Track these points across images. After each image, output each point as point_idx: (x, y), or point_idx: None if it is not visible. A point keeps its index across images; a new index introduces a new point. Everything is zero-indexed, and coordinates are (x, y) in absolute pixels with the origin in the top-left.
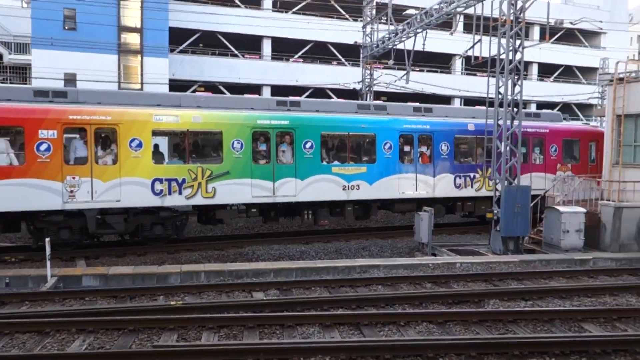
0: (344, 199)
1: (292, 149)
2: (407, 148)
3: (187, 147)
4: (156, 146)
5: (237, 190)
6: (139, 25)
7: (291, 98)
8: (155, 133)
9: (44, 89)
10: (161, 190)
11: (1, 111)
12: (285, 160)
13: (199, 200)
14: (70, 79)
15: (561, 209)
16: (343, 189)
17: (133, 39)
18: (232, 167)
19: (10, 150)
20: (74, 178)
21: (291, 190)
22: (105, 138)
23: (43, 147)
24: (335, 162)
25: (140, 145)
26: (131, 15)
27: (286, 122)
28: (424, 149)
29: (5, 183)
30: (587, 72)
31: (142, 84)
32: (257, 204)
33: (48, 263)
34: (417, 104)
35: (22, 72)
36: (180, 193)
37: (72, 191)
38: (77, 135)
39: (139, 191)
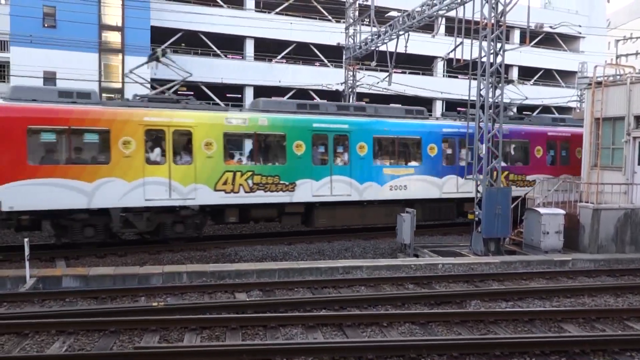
0: None
1: None
2: None
3: None
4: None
5: None
6: (120, 24)
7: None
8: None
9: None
10: None
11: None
12: None
13: None
14: (49, 78)
15: (541, 210)
16: None
17: (114, 38)
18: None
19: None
20: None
21: None
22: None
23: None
24: None
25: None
26: (112, 14)
27: None
28: None
29: None
30: (566, 76)
31: (123, 83)
32: None
33: (27, 264)
34: None
35: (0, 70)
36: None
37: None
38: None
39: None
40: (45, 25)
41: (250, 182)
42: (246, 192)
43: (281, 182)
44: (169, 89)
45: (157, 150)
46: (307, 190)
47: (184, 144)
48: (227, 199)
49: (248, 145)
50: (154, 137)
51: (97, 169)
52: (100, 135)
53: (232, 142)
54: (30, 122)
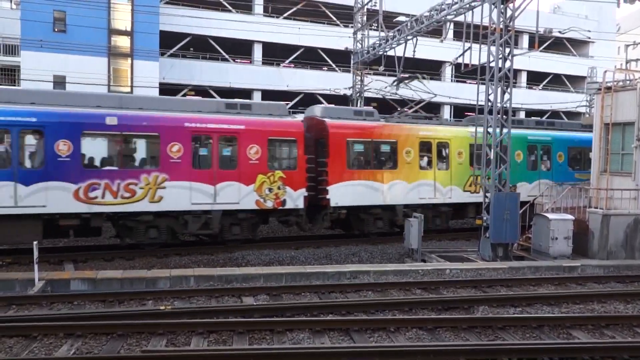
0: None
1: None
2: None
3: None
4: None
5: None
6: (129, 28)
7: None
8: None
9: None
10: None
11: None
12: None
13: None
14: (59, 82)
15: (550, 216)
16: None
17: (123, 42)
18: None
19: None
20: None
21: None
22: None
23: None
24: None
25: None
26: (122, 18)
27: None
28: None
29: None
30: (576, 81)
31: (132, 87)
32: None
33: (36, 267)
34: None
35: (10, 74)
36: None
37: None
38: None
39: None
40: (56, 29)
41: None
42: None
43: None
44: (416, 106)
45: (425, 159)
46: (524, 191)
47: (443, 153)
48: (471, 198)
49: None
50: (424, 148)
51: (389, 173)
52: (391, 146)
53: (474, 152)
54: (349, 136)
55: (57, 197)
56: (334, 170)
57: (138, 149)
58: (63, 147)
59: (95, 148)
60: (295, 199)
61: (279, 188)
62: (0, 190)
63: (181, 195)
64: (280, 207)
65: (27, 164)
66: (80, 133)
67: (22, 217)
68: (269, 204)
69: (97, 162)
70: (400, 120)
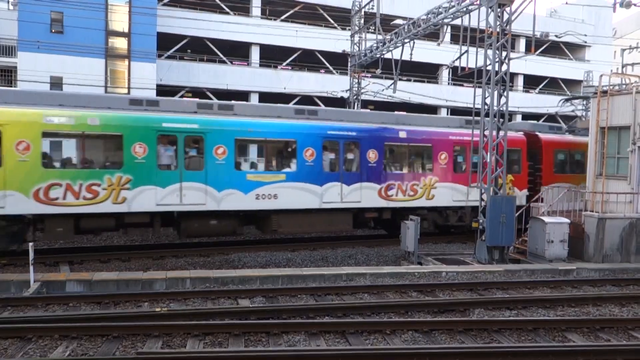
0: None
1: None
2: None
3: None
4: None
5: None
6: (126, 30)
7: None
8: None
9: None
10: None
11: None
12: None
13: None
14: (56, 83)
15: (546, 219)
16: None
17: (121, 44)
18: None
19: None
20: None
21: None
22: None
23: None
24: None
25: None
26: (119, 20)
27: None
28: None
29: None
30: (572, 84)
31: (129, 88)
32: None
33: (31, 268)
34: None
35: (7, 75)
36: None
37: None
38: None
39: None
40: (53, 30)
41: None
42: None
43: None
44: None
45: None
46: None
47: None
48: None
49: None
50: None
51: (579, 177)
52: (581, 155)
53: None
54: (554, 147)
55: (368, 195)
56: (546, 174)
57: (419, 156)
58: (372, 155)
59: (390, 155)
60: (521, 197)
61: (509, 188)
62: (332, 189)
63: (446, 194)
64: None
65: (348, 168)
66: (383, 144)
67: (342, 210)
68: None
69: (391, 167)
70: (580, 133)
